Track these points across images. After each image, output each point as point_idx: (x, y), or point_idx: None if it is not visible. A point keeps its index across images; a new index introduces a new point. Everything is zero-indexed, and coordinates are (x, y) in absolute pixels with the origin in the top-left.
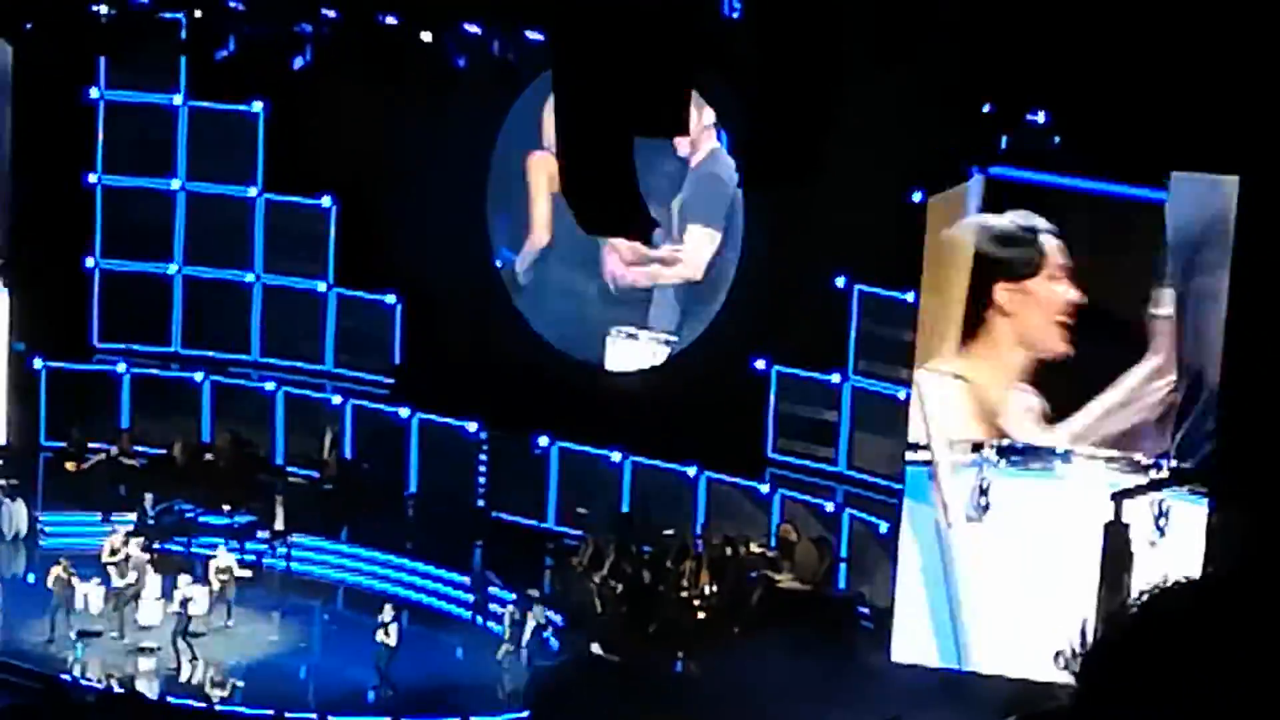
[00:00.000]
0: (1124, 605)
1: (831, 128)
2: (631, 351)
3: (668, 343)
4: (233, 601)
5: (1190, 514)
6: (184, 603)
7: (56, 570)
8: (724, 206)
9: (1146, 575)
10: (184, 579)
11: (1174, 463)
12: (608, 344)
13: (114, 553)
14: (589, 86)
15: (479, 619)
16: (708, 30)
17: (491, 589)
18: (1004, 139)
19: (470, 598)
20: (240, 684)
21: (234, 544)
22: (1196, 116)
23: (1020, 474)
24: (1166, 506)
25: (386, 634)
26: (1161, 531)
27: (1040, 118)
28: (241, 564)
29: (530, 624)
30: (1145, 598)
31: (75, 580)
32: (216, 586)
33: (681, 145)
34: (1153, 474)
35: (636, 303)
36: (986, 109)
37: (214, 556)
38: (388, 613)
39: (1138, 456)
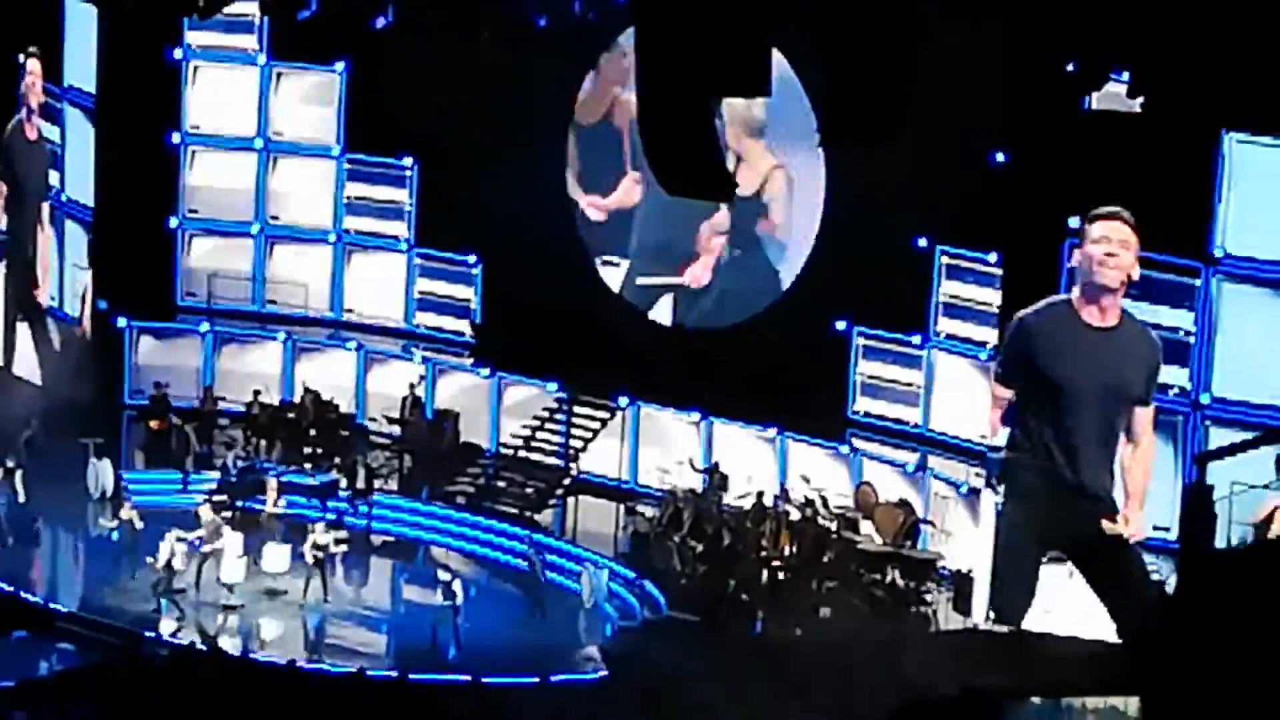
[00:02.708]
0: (1203, 565)
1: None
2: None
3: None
4: (329, 575)
5: None
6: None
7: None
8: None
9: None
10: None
11: None
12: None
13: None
14: (671, 47)
15: (553, 578)
16: None
17: (565, 545)
18: (1088, 99)
19: (551, 559)
20: (321, 642)
21: (330, 516)
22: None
23: None
24: None
25: (449, 594)
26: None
27: (1124, 77)
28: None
29: (608, 584)
30: (1224, 556)
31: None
32: (311, 561)
33: None
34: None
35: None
36: (1070, 68)
37: (311, 532)
38: (446, 574)
39: None
